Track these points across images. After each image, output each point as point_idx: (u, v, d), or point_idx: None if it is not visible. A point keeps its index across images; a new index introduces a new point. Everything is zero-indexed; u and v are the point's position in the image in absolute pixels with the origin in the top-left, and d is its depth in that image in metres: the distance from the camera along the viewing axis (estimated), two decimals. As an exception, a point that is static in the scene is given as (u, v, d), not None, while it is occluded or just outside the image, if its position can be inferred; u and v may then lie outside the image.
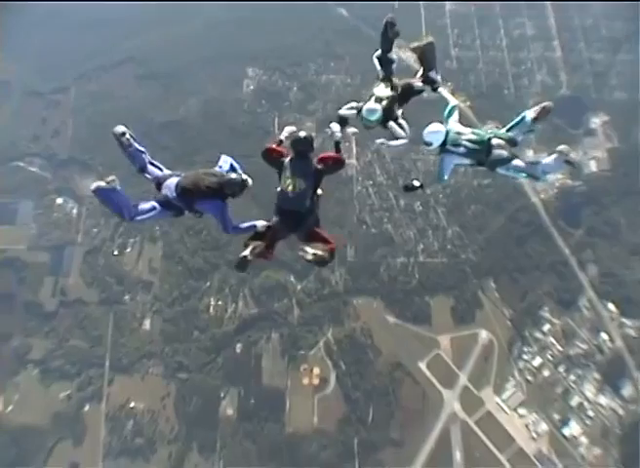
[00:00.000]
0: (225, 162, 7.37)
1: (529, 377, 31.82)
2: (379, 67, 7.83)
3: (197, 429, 31.70)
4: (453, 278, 33.75)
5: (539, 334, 32.58)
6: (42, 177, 38.36)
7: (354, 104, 7.63)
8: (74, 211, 37.11)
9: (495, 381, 31.97)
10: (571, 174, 35.37)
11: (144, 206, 6.83)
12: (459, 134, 7.15)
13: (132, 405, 32.49)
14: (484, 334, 32.79)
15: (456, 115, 7.55)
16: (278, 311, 33.35)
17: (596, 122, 38.00)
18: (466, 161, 7.20)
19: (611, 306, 32.69)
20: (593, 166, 36.75)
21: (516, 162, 7.02)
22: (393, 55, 7.78)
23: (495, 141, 7.00)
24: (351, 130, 7.46)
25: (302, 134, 6.76)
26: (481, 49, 40.81)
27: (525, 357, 32.15)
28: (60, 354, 33.47)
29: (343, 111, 7.58)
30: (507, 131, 7.15)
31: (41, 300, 34.77)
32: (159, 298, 34.27)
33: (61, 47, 41.57)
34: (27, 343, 33.73)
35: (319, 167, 6.80)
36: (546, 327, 32.73)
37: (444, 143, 7.16)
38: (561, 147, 6.90)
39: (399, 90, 7.63)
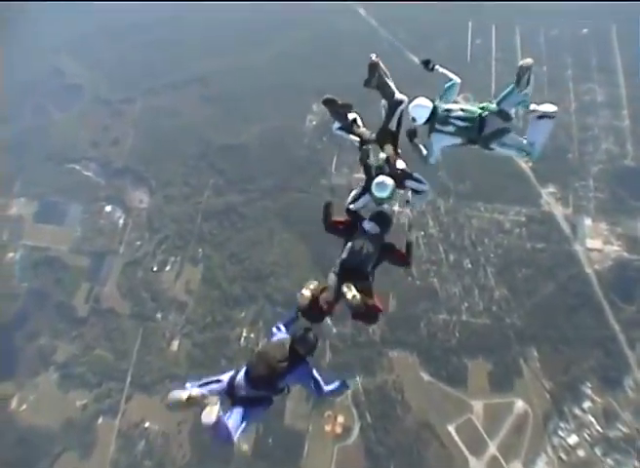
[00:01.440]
0: (278, 329, 6.77)
1: (562, 455, 29.96)
2: (347, 135, 7.60)
3: (209, 460, 31.06)
4: (494, 341, 32.71)
5: (578, 411, 30.90)
6: (95, 183, 39.61)
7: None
8: (121, 220, 37.98)
9: (525, 455, 30.23)
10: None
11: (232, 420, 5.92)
12: (447, 111, 6.81)
13: (147, 425, 32.17)
14: (520, 404, 31.35)
15: (454, 92, 7.13)
16: (310, 353, 32.52)
17: None
18: (458, 140, 6.86)
19: None
20: None
21: (511, 136, 6.73)
22: (351, 114, 7.48)
23: (489, 118, 6.69)
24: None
25: (381, 210, 6.66)
26: None
27: (560, 433, 30.43)
28: (83, 361, 33.70)
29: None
30: (498, 104, 6.77)
31: (74, 304, 35.36)
32: (191, 321, 34.27)
33: (135, 60, 43.96)
34: (53, 345, 34.14)
35: (384, 251, 6.60)
36: (587, 404, 31.09)
37: (432, 122, 6.85)
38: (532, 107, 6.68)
39: (389, 147, 7.18)
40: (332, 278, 6.42)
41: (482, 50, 44.27)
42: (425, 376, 32.06)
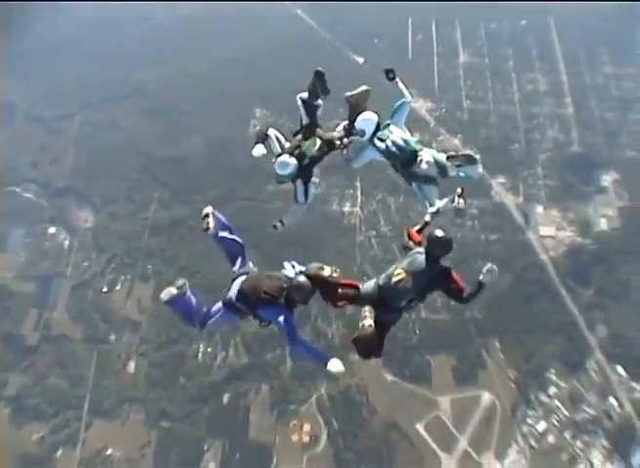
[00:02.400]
0: (292, 267, 6.65)
1: (533, 443, 30.32)
2: (303, 111, 7.48)
3: (176, 481, 29.82)
4: (455, 336, 32.80)
5: (544, 398, 31.33)
6: (37, 205, 38.30)
7: (282, 139, 7.37)
8: (66, 242, 36.81)
9: (496, 446, 30.40)
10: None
11: (214, 308, 6.65)
12: (390, 131, 6.93)
13: (109, 452, 30.94)
14: (486, 397, 31.57)
15: (405, 112, 7.21)
16: (270, 362, 32.23)
17: (607, 180, 38.11)
18: (383, 159, 7.04)
19: (620, 370, 31.62)
20: (604, 224, 36.58)
21: (432, 188, 6.79)
22: (319, 101, 7.44)
23: (424, 157, 6.73)
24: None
25: (440, 233, 6.11)
26: (493, 102, 41.54)
27: (529, 421, 30.78)
28: (37, 392, 32.26)
29: (273, 132, 7.38)
30: (447, 158, 6.79)
31: (23, 333, 33.95)
32: (146, 340, 33.38)
33: (71, 75, 42.65)
34: (3, 378, 32.55)
35: (441, 280, 6.22)
36: (552, 390, 31.53)
37: (373, 134, 6.98)
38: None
39: (325, 149, 7.24)
40: (369, 285, 6.37)
41: (423, 46, 44.66)
42: (389, 377, 31.87)
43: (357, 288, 6.37)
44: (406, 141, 6.81)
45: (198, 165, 38.78)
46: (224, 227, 7.05)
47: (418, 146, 6.84)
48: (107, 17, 46.70)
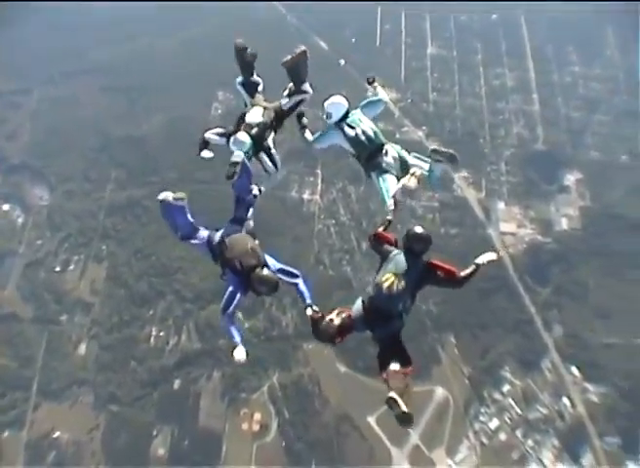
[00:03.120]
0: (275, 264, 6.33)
1: (484, 440, 30.16)
2: (244, 94, 7.32)
3: (124, 467, 29.43)
4: (410, 330, 30.59)
5: (497, 395, 31.21)
6: None
7: (221, 130, 6.98)
8: (20, 219, 35.87)
9: (448, 442, 30.25)
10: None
11: (202, 233, 6.36)
12: (360, 120, 6.84)
13: (56, 434, 30.34)
14: (440, 392, 31.32)
15: (377, 109, 7.16)
16: (222, 348, 31.26)
17: (570, 179, 38.01)
18: (347, 146, 6.88)
19: (574, 370, 31.61)
20: (565, 224, 36.48)
21: (393, 179, 6.56)
22: (257, 77, 7.32)
23: (390, 151, 6.67)
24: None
25: (419, 229, 5.80)
26: (459, 95, 41.10)
27: (482, 418, 30.67)
28: None
29: (209, 134, 6.87)
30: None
31: None
32: (98, 323, 32.63)
33: (31, 48, 41.10)
34: None
35: (428, 274, 5.91)
36: (506, 388, 31.45)
37: (341, 120, 6.85)
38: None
39: (272, 114, 7.03)
40: (358, 306, 5.84)
41: (391, 35, 44.05)
42: (342, 368, 31.52)
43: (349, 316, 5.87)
44: (375, 133, 6.75)
45: (157, 145, 37.92)
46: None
47: (384, 140, 6.81)
48: None
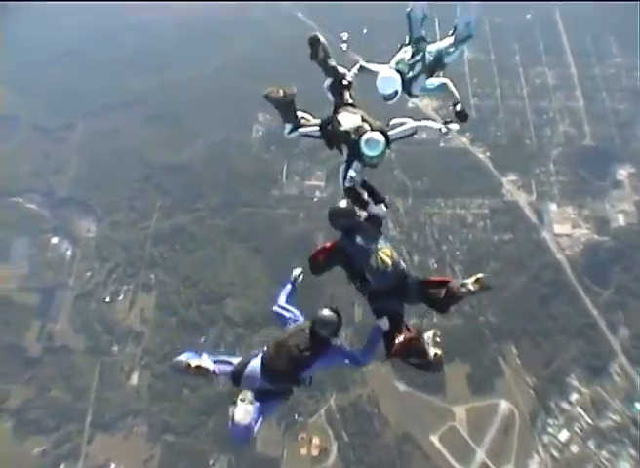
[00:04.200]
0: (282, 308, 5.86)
1: (555, 453, 28.05)
2: (332, 97, 6.52)
3: (181, 496, 28.62)
4: (470, 342, 30.72)
5: (565, 405, 29.17)
6: (39, 215, 37.59)
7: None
8: (68, 252, 35.89)
9: (516, 458, 28.21)
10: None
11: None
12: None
13: (112, 466, 29.46)
14: (504, 405, 29.45)
15: (440, 89, 6.61)
16: (277, 373, 30.18)
17: (623, 174, 36.08)
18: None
19: None
20: (621, 220, 34.46)
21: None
22: (348, 77, 6.52)
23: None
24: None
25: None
26: (501, 98, 39.91)
27: (550, 430, 28.57)
28: (39, 404, 31.00)
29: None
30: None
31: (25, 345, 32.76)
32: (149, 352, 32.07)
33: (72, 84, 42.25)
34: (5, 390, 31.33)
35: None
36: (574, 396, 29.37)
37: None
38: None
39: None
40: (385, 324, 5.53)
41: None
42: (401, 386, 29.96)
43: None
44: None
45: (200, 171, 37.99)
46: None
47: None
48: (105, 26, 46.33)
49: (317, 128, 6.31)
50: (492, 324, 31.04)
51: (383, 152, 5.66)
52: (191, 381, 30.34)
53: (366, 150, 5.59)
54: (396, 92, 6.14)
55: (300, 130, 6.39)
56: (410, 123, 5.94)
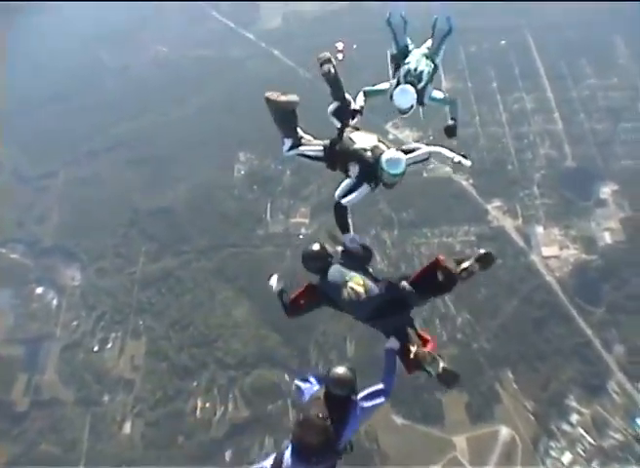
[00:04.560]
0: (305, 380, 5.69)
1: None
2: (337, 122, 6.43)
3: None
4: (465, 370, 29.76)
5: (566, 427, 28.72)
6: (23, 265, 37.23)
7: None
8: (54, 301, 35.47)
9: None
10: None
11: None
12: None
13: (108, 520, 28.62)
14: (505, 431, 29.01)
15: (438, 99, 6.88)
16: (272, 414, 30.06)
17: (606, 192, 36.42)
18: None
19: None
20: (608, 238, 34.63)
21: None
22: (358, 104, 6.59)
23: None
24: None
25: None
26: (481, 125, 40.37)
27: (553, 453, 28.11)
28: (29, 460, 29.96)
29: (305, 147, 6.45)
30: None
31: (12, 399, 32.04)
32: (141, 399, 31.44)
33: (53, 131, 42.26)
34: None
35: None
36: (574, 417, 28.97)
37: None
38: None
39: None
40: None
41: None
42: (399, 420, 29.50)
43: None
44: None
45: (185, 214, 37.91)
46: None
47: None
48: (85, 71, 46.80)
49: (320, 148, 6.24)
50: (486, 350, 30.80)
51: (404, 172, 5.66)
52: (185, 428, 29.99)
53: (389, 169, 5.56)
54: (412, 105, 6.27)
55: (301, 148, 6.31)
56: (424, 148, 6.00)
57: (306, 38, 46.06)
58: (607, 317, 31.48)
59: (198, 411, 30.49)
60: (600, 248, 34.21)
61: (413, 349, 5.21)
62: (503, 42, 43.76)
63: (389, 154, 5.62)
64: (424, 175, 36.49)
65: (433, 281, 5.50)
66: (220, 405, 30.51)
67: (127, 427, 30.71)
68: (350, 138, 6.00)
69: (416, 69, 6.36)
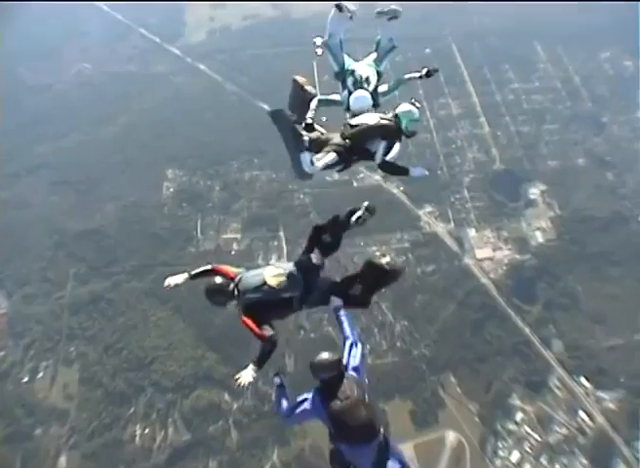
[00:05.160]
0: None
1: None
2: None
3: None
4: (407, 378, 30.83)
5: (512, 426, 29.48)
6: None
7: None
8: None
9: None
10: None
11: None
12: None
13: None
14: (451, 436, 29.50)
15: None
16: (214, 435, 29.52)
17: (535, 192, 38.10)
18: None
19: (584, 381, 30.31)
20: (539, 237, 36.13)
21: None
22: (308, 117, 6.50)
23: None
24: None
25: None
26: None
27: (501, 453, 28.73)
28: None
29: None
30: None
31: None
32: (76, 430, 30.16)
33: None
34: None
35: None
36: (519, 416, 29.81)
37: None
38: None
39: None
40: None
41: (331, 86, 43.95)
42: (342, 433, 29.20)
43: None
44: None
45: (114, 235, 37.22)
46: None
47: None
48: (2, 89, 45.19)
49: (334, 156, 6.25)
50: (427, 356, 31.22)
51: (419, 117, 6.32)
52: (125, 456, 28.99)
53: (410, 116, 6.18)
54: (369, 106, 6.63)
55: (318, 164, 6.25)
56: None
57: (231, 52, 47.18)
58: (544, 314, 32.59)
59: (137, 438, 29.54)
60: (532, 247, 35.54)
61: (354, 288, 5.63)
62: (428, 50, 45.19)
63: (402, 107, 6.18)
64: (355, 184, 37.06)
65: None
66: (160, 429, 29.69)
67: (62, 461, 29.32)
68: (355, 124, 6.27)
69: (361, 76, 6.82)
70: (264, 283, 5.56)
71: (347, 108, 6.74)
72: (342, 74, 7.03)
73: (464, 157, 39.71)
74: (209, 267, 5.87)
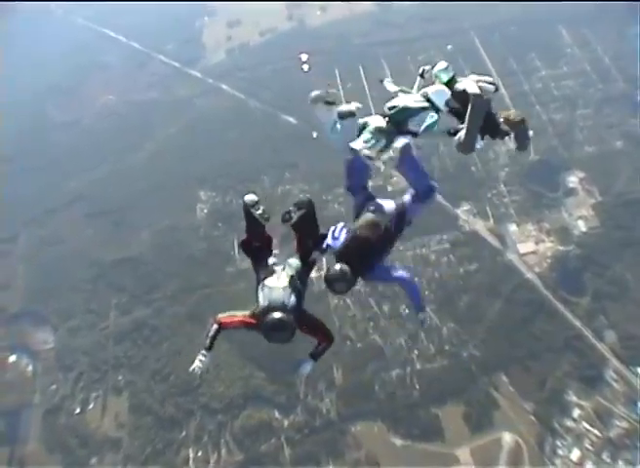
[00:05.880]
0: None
1: None
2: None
3: None
4: (458, 381, 30.53)
5: (570, 423, 28.85)
6: None
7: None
8: (29, 368, 34.83)
9: None
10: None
11: None
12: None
13: None
14: (508, 437, 29.05)
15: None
16: (267, 453, 29.66)
17: (574, 181, 37.43)
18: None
19: None
20: (582, 226, 35.48)
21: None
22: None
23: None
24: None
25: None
26: None
27: (560, 452, 28.12)
28: None
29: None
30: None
31: None
32: (130, 457, 30.71)
33: (8, 194, 41.86)
34: None
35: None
36: (576, 412, 29.14)
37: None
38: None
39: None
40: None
41: (355, 91, 43.15)
42: (398, 441, 29.30)
43: None
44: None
45: (151, 261, 37.82)
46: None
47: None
48: (30, 127, 47.26)
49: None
50: (477, 357, 30.92)
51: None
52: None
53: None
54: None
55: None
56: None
57: (252, 68, 47.87)
58: (593, 305, 31.98)
59: (191, 462, 29.97)
60: (576, 237, 34.95)
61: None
62: (450, 46, 44.44)
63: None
64: (389, 188, 36.73)
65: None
66: (213, 451, 30.07)
67: (119, 489, 30.06)
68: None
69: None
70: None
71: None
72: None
73: (498, 151, 39.16)
74: (216, 327, 5.65)
